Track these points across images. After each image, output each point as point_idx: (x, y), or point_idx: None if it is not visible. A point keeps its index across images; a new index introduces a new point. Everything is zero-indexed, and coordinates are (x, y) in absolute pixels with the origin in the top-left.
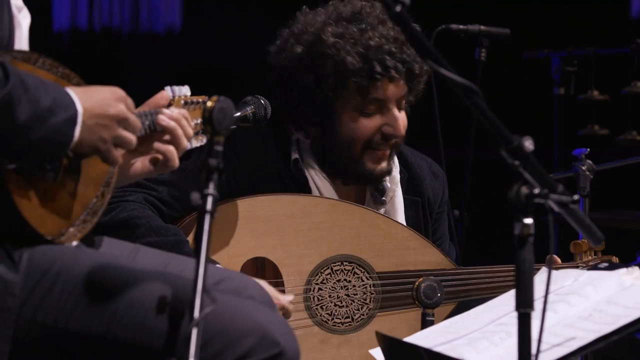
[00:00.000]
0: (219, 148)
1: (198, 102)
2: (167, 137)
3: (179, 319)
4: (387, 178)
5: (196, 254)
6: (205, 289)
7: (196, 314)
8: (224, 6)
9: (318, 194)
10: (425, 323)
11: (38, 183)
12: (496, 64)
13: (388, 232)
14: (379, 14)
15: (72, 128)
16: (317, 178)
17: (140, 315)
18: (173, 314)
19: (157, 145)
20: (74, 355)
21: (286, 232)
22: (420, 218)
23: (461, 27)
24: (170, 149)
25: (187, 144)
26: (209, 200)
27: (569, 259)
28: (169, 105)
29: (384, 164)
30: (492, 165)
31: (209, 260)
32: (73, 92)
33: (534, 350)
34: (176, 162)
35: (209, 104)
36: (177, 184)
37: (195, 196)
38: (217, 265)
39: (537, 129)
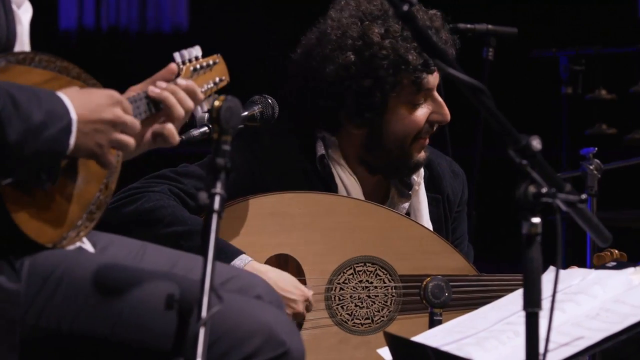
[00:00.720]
0: (227, 147)
1: (209, 65)
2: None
3: (186, 320)
4: None
5: (203, 254)
6: (212, 289)
7: (204, 313)
8: (230, 5)
9: (344, 190)
10: (433, 322)
11: (35, 192)
12: (504, 63)
13: (412, 234)
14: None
15: (67, 137)
16: (343, 174)
17: (146, 316)
18: (179, 315)
19: (155, 126)
20: (79, 357)
21: (311, 231)
22: (441, 215)
23: (469, 26)
24: (168, 126)
25: (181, 112)
26: (217, 199)
27: (581, 261)
28: (177, 76)
29: (425, 152)
30: (499, 165)
31: (232, 253)
32: (68, 99)
33: (541, 349)
34: (175, 138)
35: (217, 103)
36: (202, 176)
37: (202, 195)
38: (234, 263)
39: (545, 128)
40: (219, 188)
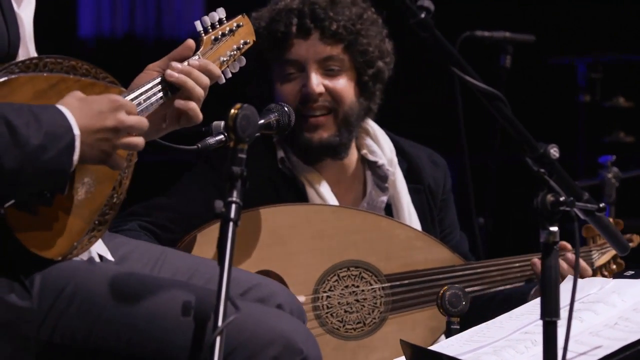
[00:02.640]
0: (243, 156)
1: (232, 30)
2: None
3: (202, 332)
4: (384, 163)
5: (220, 263)
6: (229, 298)
7: (219, 322)
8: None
9: (311, 187)
10: (450, 331)
11: (40, 209)
12: (521, 71)
13: (392, 233)
14: None
15: (70, 156)
16: (304, 171)
17: (162, 329)
18: (196, 326)
19: (178, 102)
20: None
21: (289, 243)
22: (425, 204)
23: (486, 34)
24: (191, 105)
25: (200, 92)
26: (233, 207)
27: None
28: (196, 50)
29: (323, 134)
30: (517, 173)
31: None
32: (69, 112)
33: (559, 358)
34: (199, 116)
35: (232, 111)
36: (171, 206)
37: (218, 204)
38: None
39: (563, 136)
40: (235, 196)
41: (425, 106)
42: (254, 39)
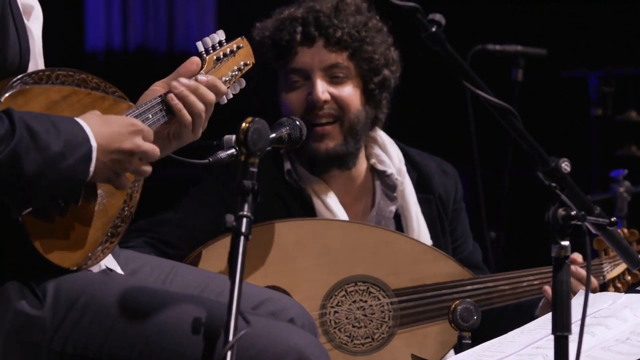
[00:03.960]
0: (254, 169)
1: (233, 51)
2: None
3: (213, 344)
4: (393, 172)
5: (231, 277)
6: (240, 312)
7: (230, 337)
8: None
9: (318, 200)
10: (462, 346)
11: (55, 218)
12: (533, 84)
13: (400, 247)
14: None
15: (87, 165)
16: (311, 183)
17: (173, 341)
18: (207, 339)
19: (174, 128)
20: None
21: (295, 258)
22: (435, 214)
23: (497, 47)
24: (188, 121)
25: (201, 107)
26: (244, 222)
27: (594, 257)
28: (200, 69)
29: (329, 143)
30: (528, 186)
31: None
32: (88, 126)
33: None
34: (198, 131)
35: (244, 125)
36: (177, 221)
37: (229, 218)
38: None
39: (574, 150)
40: (246, 210)
41: (437, 120)
42: (253, 61)
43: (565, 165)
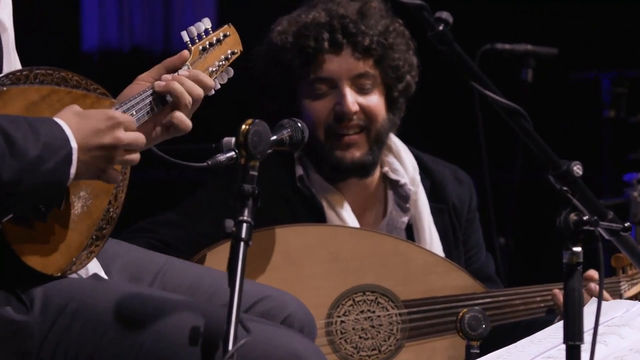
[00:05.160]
0: (254, 173)
1: (219, 40)
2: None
3: (210, 351)
4: (406, 182)
5: (230, 284)
6: (239, 320)
7: (230, 346)
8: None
9: (330, 208)
10: (470, 356)
11: (37, 224)
12: (543, 85)
13: (411, 257)
14: None
15: (67, 168)
16: (324, 191)
17: (168, 348)
18: (203, 346)
19: (166, 112)
20: None
21: (302, 264)
22: (448, 225)
23: (507, 46)
24: (176, 115)
25: (189, 99)
26: (244, 227)
27: (612, 275)
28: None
29: (355, 152)
30: (539, 191)
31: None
32: (66, 125)
33: None
34: (187, 124)
35: (244, 127)
36: (181, 223)
37: (229, 223)
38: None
39: (587, 153)
40: (246, 215)
41: (444, 122)
42: (241, 49)
43: (577, 169)
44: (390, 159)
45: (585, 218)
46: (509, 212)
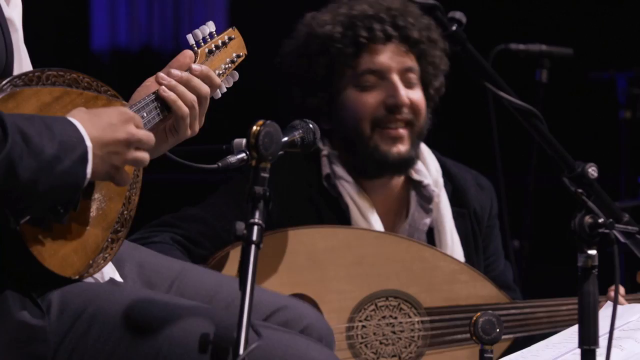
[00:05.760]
0: (265, 175)
1: (225, 43)
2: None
3: (226, 358)
4: (430, 183)
5: (242, 288)
6: (252, 325)
7: (241, 350)
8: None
9: (355, 208)
10: None
11: (54, 225)
12: (558, 86)
13: (436, 264)
14: None
15: (84, 167)
16: (351, 190)
17: (185, 355)
18: (219, 352)
19: (169, 123)
20: None
21: (326, 267)
22: (469, 230)
23: (521, 46)
24: (186, 112)
25: (192, 97)
26: (255, 229)
27: (636, 291)
28: (195, 61)
29: (401, 147)
30: (553, 193)
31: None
32: (80, 124)
33: None
34: (195, 127)
35: (255, 128)
36: (205, 219)
37: (240, 226)
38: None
39: (602, 154)
40: (257, 218)
41: (457, 124)
42: (246, 52)
43: (592, 171)
44: None
45: (600, 221)
46: (524, 215)
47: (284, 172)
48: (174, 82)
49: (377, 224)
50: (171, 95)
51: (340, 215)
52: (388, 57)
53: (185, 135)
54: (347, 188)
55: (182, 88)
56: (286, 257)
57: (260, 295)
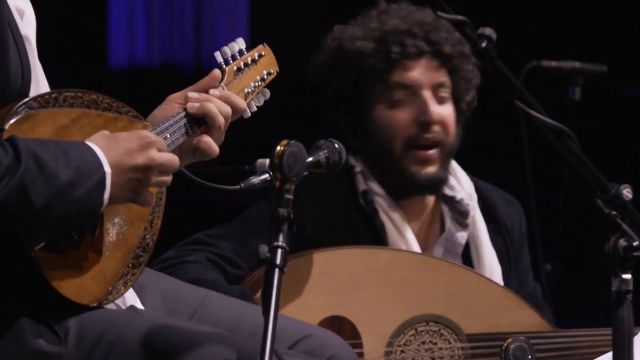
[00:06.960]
0: (289, 196)
1: (254, 60)
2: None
3: None
4: (463, 197)
5: (265, 312)
6: (275, 352)
7: None
8: (290, 40)
9: (391, 225)
10: None
11: (70, 251)
12: (591, 104)
13: (479, 289)
14: (408, 4)
15: (101, 194)
16: (387, 207)
17: None
18: None
19: (193, 142)
20: None
21: (367, 289)
22: (502, 246)
23: (553, 63)
24: (204, 139)
25: (222, 121)
26: (279, 253)
27: None
28: (220, 81)
29: (431, 168)
30: (586, 215)
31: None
32: (99, 149)
33: None
34: (214, 149)
35: (278, 148)
36: (239, 238)
37: (263, 249)
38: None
39: (637, 175)
40: (281, 241)
41: (487, 143)
42: (277, 70)
43: (627, 192)
44: None
45: (635, 244)
46: (555, 237)
47: (319, 188)
48: (205, 98)
49: (413, 241)
50: (212, 109)
51: (375, 233)
52: (420, 72)
53: (204, 155)
54: (383, 205)
55: (217, 102)
56: (326, 278)
57: (285, 323)
